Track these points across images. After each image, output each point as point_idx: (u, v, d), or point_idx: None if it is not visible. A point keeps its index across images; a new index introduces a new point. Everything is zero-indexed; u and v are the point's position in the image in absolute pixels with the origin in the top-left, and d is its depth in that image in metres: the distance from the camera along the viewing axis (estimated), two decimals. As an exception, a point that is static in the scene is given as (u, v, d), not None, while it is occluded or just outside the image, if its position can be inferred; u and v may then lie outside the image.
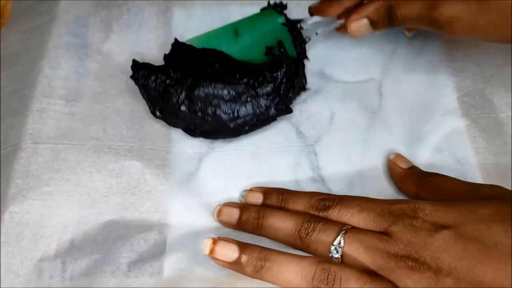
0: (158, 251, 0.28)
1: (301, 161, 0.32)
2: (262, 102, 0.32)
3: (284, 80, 0.32)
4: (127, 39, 0.37)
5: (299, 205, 0.28)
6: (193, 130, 0.33)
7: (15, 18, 0.38)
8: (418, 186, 0.29)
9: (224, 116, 0.32)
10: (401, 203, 0.25)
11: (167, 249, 0.28)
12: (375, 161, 0.32)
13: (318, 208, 0.27)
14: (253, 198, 0.30)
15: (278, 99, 0.32)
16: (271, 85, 0.32)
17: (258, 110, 0.32)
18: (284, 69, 0.32)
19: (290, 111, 0.33)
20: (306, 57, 0.35)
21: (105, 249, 0.28)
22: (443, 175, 0.29)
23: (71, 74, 0.34)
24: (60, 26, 0.36)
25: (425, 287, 0.22)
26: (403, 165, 0.31)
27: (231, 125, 0.32)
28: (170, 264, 0.28)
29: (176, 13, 0.38)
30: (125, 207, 0.30)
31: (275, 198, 0.29)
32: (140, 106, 0.33)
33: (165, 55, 0.33)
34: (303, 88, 0.35)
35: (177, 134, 0.33)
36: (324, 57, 0.36)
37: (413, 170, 0.31)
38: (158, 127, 0.33)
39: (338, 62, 0.36)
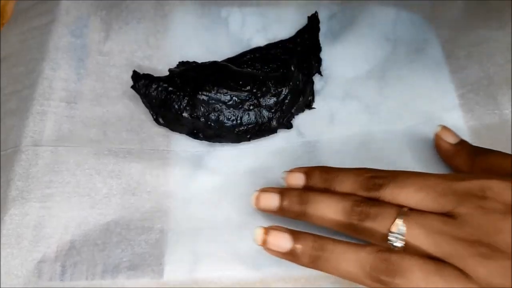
0: (159, 253, 0.28)
1: (302, 160, 0.32)
2: (265, 113, 0.32)
3: (289, 96, 0.32)
4: (126, 36, 0.37)
5: (346, 185, 0.25)
6: (197, 134, 0.32)
7: (15, 19, 0.39)
8: (469, 164, 0.27)
9: (227, 122, 0.32)
10: (465, 180, 0.23)
11: (168, 251, 0.28)
12: (376, 160, 0.32)
13: (369, 187, 0.24)
14: (294, 180, 0.27)
15: (280, 113, 0.32)
16: (274, 99, 0.32)
17: (260, 120, 0.32)
18: (290, 86, 0.32)
19: (290, 126, 0.33)
20: (320, 73, 0.34)
21: (106, 251, 0.28)
22: (497, 152, 0.26)
23: (71, 75, 0.34)
24: (61, 27, 0.36)
25: (502, 278, 0.20)
26: (451, 140, 0.28)
27: (234, 131, 0.32)
28: (171, 266, 0.27)
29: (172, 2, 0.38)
30: (125, 207, 0.30)
31: (318, 178, 0.26)
32: (141, 109, 0.33)
33: (170, 69, 0.34)
34: (308, 105, 0.34)
35: (178, 134, 0.33)
36: (325, 55, 0.36)
37: (463, 146, 0.28)
38: (158, 128, 0.33)
39: (338, 61, 0.36)
